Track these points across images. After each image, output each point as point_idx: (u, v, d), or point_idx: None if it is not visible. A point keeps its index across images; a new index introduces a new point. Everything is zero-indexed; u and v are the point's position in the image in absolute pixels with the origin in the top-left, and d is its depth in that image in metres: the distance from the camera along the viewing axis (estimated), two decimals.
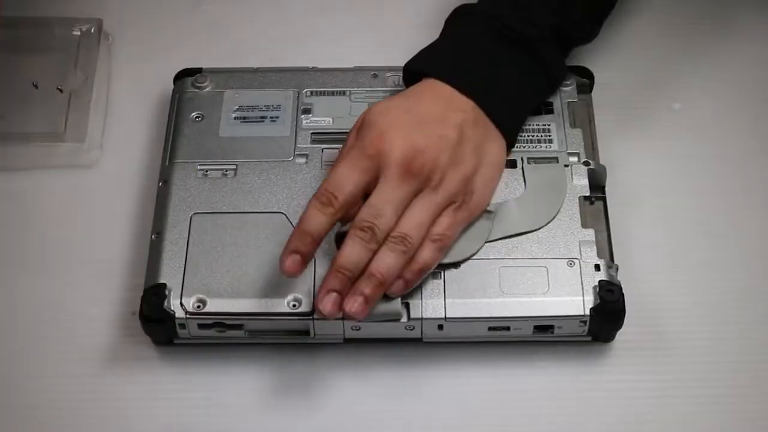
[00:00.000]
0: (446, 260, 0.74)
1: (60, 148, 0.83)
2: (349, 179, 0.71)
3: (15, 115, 0.85)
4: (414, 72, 0.77)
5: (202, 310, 0.73)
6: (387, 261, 0.70)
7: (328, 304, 0.69)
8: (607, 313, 0.73)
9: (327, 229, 0.71)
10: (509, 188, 0.77)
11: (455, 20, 0.79)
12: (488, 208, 0.75)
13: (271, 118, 0.81)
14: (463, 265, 0.74)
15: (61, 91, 0.86)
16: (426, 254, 0.72)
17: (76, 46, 0.87)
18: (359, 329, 0.73)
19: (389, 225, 0.70)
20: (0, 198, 0.82)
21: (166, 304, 0.73)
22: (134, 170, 0.84)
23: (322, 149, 0.80)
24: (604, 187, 0.79)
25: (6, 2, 0.91)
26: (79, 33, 0.88)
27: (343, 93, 0.83)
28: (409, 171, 0.71)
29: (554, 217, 0.76)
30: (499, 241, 0.75)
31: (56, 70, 0.86)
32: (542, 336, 0.74)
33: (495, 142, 0.76)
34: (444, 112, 0.74)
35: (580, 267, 0.74)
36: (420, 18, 0.90)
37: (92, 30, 0.89)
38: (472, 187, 0.74)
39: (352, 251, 0.70)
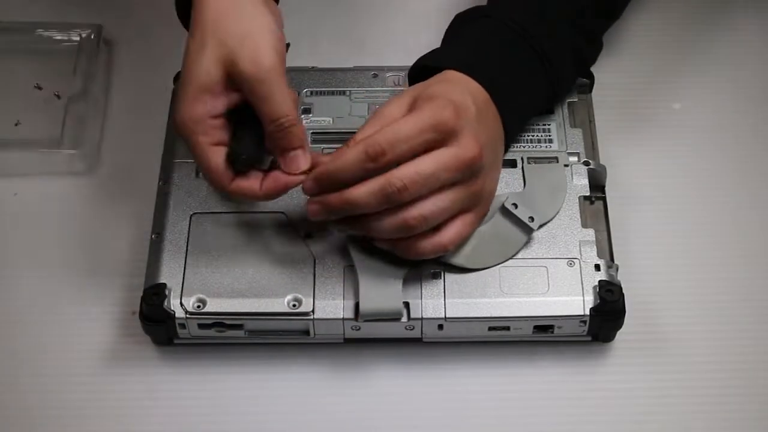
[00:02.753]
0: (465, 264, 0.73)
1: (57, 154, 0.83)
2: (407, 143, 0.68)
3: (12, 121, 0.85)
4: (431, 68, 0.75)
5: (202, 310, 0.73)
6: (384, 227, 0.69)
7: (316, 211, 0.70)
8: (607, 313, 0.73)
9: (357, 182, 0.69)
10: (509, 188, 0.77)
11: (474, 22, 0.78)
12: (531, 224, 0.74)
13: None
14: None
15: (58, 97, 0.86)
16: (425, 248, 0.71)
17: (75, 52, 0.87)
18: (359, 329, 0.73)
19: (414, 199, 0.68)
20: None
21: (166, 304, 0.73)
22: (132, 175, 0.84)
23: (322, 149, 0.79)
24: (604, 187, 0.79)
25: (5, 7, 0.91)
26: (78, 39, 0.88)
27: (343, 93, 0.83)
28: (472, 164, 0.69)
29: (554, 216, 0.76)
30: None
31: (55, 76, 0.86)
32: (542, 336, 0.74)
33: (502, 153, 0.76)
34: (483, 108, 0.73)
35: (580, 267, 0.74)
36: (420, 18, 0.90)
37: (92, 36, 0.88)
38: (490, 196, 0.73)
39: (369, 199, 0.68)
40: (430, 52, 0.77)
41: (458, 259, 0.73)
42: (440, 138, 0.68)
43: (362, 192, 0.68)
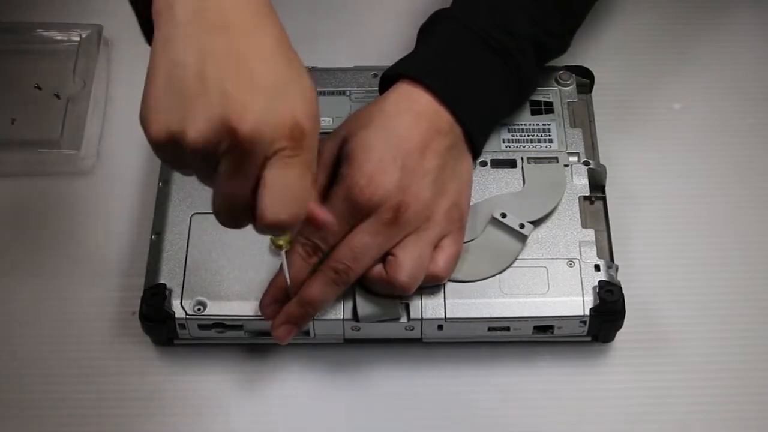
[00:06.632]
0: (464, 278, 0.73)
1: (56, 155, 0.83)
2: (337, 232, 0.69)
3: (11, 121, 0.85)
4: (390, 77, 0.75)
5: (202, 314, 0.73)
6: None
7: (285, 333, 0.71)
8: (607, 314, 0.72)
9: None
10: (510, 188, 0.77)
11: (432, 26, 0.77)
12: (523, 231, 0.74)
13: None
14: None
15: (58, 97, 0.86)
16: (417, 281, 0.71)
17: (75, 52, 0.87)
18: (359, 329, 0.73)
19: (364, 270, 0.70)
20: None
21: (166, 304, 0.73)
22: (132, 176, 0.83)
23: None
24: (604, 186, 0.79)
25: (4, 7, 0.91)
26: (78, 39, 0.88)
27: (343, 93, 0.83)
28: (397, 220, 0.70)
29: (552, 215, 0.76)
30: None
31: (55, 76, 0.86)
32: (542, 336, 0.74)
33: (467, 161, 0.75)
34: (424, 137, 0.71)
35: (580, 267, 0.74)
36: (421, 18, 0.90)
37: (92, 36, 0.88)
38: (459, 214, 0.73)
39: (323, 291, 0.70)
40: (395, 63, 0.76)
41: (457, 275, 0.73)
42: (411, 226, 0.70)
43: (316, 287, 0.69)
